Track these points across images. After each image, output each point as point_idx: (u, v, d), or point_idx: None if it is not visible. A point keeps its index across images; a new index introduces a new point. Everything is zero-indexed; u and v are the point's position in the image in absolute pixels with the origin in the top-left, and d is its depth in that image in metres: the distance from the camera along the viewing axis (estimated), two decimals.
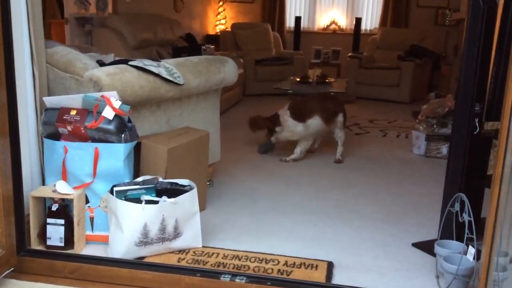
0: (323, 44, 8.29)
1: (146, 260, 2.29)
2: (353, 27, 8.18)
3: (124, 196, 2.32)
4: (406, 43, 7.48)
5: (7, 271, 2.14)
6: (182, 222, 2.36)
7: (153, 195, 2.38)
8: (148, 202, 2.30)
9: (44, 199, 2.42)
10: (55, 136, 2.44)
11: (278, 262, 2.33)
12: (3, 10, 2.05)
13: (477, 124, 2.27)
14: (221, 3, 8.63)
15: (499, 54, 2.14)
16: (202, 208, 2.75)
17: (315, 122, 4.00)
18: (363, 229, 2.76)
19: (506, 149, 1.69)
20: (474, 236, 2.03)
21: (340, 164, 4.02)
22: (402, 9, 8.09)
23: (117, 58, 3.10)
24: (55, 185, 2.33)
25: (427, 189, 3.47)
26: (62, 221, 2.34)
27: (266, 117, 4.16)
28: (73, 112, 2.38)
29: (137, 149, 2.57)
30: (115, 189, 2.32)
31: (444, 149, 4.23)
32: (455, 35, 7.56)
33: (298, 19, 8.26)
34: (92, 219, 2.46)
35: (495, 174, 1.74)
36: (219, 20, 8.65)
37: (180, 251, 2.40)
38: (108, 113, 2.33)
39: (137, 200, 2.31)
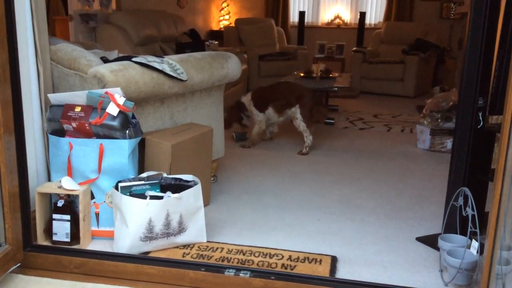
0: (327, 38, 8.27)
1: (151, 255, 2.31)
2: (357, 21, 8.15)
3: (129, 191, 2.34)
4: (411, 37, 7.45)
5: (14, 267, 2.16)
6: (186, 217, 2.38)
7: (158, 190, 2.40)
8: (153, 197, 2.32)
9: (50, 195, 2.44)
10: (60, 132, 2.45)
11: (282, 256, 2.34)
12: (7, 7, 2.06)
13: (480, 118, 2.27)
14: None
15: (502, 48, 2.13)
16: (206, 203, 2.77)
17: (268, 112, 4.21)
18: (366, 224, 2.77)
19: (508, 143, 1.69)
20: (478, 230, 2.03)
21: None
22: (406, 3, 8.05)
23: (120, 55, 3.12)
24: (60, 181, 2.35)
25: (431, 183, 3.47)
26: (68, 217, 2.36)
27: (233, 107, 4.31)
28: (78, 109, 2.39)
29: (141, 145, 2.59)
30: (120, 184, 2.34)
31: (449, 143, 4.22)
32: (459, 29, 7.51)
33: (302, 14, 8.24)
34: (97, 215, 2.48)
35: (498, 168, 1.74)
36: (223, 15, 8.63)
37: (185, 246, 2.42)
38: (112, 110, 2.34)
39: (142, 196, 2.33)
